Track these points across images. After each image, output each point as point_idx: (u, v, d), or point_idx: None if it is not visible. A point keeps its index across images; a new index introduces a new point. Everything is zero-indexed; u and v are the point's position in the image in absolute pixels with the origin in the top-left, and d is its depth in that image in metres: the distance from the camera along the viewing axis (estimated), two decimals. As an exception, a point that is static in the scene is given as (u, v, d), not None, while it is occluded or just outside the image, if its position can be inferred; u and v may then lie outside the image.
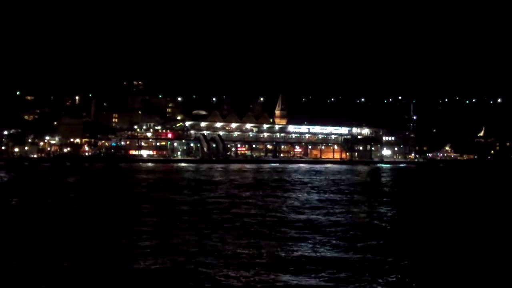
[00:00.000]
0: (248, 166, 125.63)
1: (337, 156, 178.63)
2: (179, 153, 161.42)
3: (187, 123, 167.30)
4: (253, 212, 33.71)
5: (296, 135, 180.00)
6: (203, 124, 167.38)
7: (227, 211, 33.47)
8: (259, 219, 29.90)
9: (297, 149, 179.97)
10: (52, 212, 33.07)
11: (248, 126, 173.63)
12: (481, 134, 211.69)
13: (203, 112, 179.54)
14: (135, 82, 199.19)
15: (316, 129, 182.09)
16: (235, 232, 25.31)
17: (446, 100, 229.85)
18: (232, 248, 21.34)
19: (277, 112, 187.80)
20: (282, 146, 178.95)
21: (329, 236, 24.59)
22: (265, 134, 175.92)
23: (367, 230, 26.89)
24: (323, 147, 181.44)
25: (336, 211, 34.36)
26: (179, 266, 18.43)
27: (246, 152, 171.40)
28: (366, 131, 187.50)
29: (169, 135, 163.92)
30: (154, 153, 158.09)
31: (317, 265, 18.76)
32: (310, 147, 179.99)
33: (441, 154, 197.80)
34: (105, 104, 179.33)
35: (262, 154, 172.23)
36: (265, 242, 22.79)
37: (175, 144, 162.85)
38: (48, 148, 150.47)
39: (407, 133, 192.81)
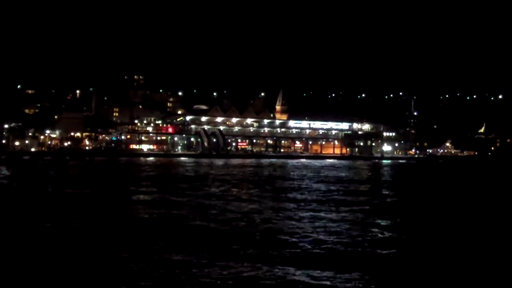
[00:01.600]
0: (248, 161, 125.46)
1: (337, 151, 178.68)
2: (179, 147, 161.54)
3: (188, 118, 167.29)
4: (246, 216, 33.50)
5: (296, 130, 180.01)
6: (203, 118, 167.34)
7: (218, 214, 32.66)
8: (250, 225, 28.55)
9: (298, 144, 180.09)
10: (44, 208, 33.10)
11: (249, 121, 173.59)
12: (482, 130, 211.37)
13: (204, 107, 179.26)
14: (136, 77, 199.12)
15: (317, 124, 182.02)
16: (224, 243, 22.68)
17: (447, 96, 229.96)
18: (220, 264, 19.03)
19: (278, 107, 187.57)
20: (283, 141, 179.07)
21: (322, 246, 22.95)
22: (266, 129, 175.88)
23: (362, 238, 26.31)
24: (323, 143, 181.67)
25: (332, 214, 33.79)
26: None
27: (246, 147, 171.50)
28: (366, 126, 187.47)
29: (170, 130, 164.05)
30: (155, 147, 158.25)
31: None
32: (310, 142, 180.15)
33: (442, 150, 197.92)
34: (105, 98, 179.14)
35: (262, 149, 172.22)
36: (252, 252, 21.46)
37: (176, 138, 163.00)
38: (49, 142, 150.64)
39: (407, 129, 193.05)
